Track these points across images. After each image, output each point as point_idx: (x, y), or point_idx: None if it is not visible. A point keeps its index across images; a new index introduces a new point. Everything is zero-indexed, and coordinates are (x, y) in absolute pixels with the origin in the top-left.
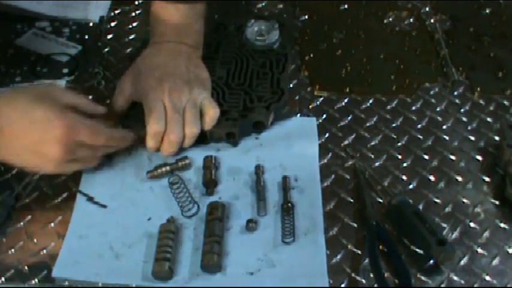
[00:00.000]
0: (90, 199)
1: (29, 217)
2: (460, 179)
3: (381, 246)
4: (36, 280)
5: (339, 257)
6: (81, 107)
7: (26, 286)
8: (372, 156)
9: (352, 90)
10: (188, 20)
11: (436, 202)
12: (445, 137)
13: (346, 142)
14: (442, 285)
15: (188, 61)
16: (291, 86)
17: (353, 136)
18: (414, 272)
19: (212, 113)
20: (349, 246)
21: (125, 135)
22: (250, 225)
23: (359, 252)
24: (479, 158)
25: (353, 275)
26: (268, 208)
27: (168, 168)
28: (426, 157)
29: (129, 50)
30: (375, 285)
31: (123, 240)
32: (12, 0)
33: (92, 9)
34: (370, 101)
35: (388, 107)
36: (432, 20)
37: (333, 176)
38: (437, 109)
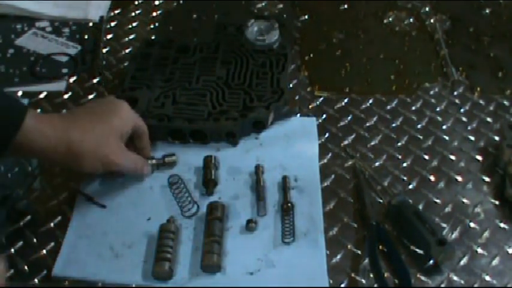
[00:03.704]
0: (90, 199)
1: (29, 217)
2: (460, 179)
3: (380, 246)
4: (36, 280)
5: (339, 257)
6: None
7: (26, 286)
8: (372, 156)
9: (352, 90)
10: None
11: (436, 202)
12: (445, 137)
13: (346, 142)
14: (442, 285)
15: None
16: (291, 86)
17: (353, 136)
18: (414, 272)
19: None
20: (349, 246)
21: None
22: (250, 225)
23: (359, 252)
24: (479, 158)
25: (353, 275)
26: (268, 208)
27: (154, 161)
28: (426, 157)
29: (129, 50)
30: (375, 285)
31: (123, 240)
32: (12, 0)
33: (92, 9)
34: (370, 101)
35: (388, 107)
36: (432, 20)
37: (333, 176)
38: (437, 109)
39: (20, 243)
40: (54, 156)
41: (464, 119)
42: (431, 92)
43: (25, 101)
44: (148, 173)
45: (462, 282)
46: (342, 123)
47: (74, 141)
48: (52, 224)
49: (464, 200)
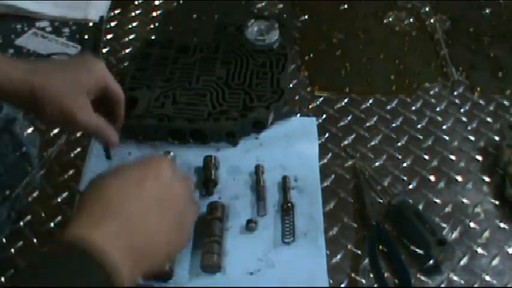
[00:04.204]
0: None
1: (29, 217)
2: (460, 179)
3: (380, 246)
4: None
5: (339, 257)
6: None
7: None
8: (372, 156)
9: (352, 90)
10: None
11: (436, 202)
12: (445, 137)
13: (346, 142)
14: (442, 285)
15: None
16: (291, 86)
17: (353, 136)
18: (414, 272)
19: None
20: (349, 246)
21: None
22: (250, 225)
23: (359, 252)
24: (479, 158)
25: (353, 275)
26: (268, 208)
27: None
28: (426, 157)
29: (129, 50)
30: (375, 285)
31: None
32: (12, 0)
33: (92, 9)
34: (370, 101)
35: (388, 107)
36: (432, 20)
37: (333, 176)
38: (437, 109)
39: (20, 243)
40: (15, 99)
41: (464, 119)
42: (431, 92)
43: None
44: (116, 143)
45: (462, 282)
46: (342, 123)
47: (36, 86)
48: (52, 224)
49: (464, 200)
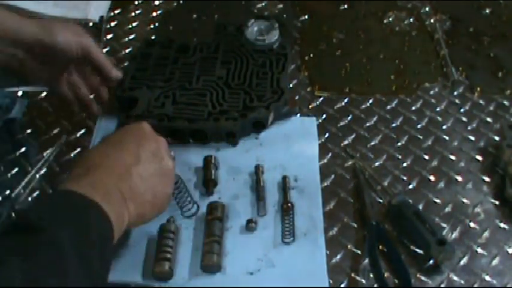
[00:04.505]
0: None
1: None
2: (460, 179)
3: (380, 246)
4: None
5: (338, 257)
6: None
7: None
8: (372, 156)
9: (352, 90)
10: None
11: (436, 202)
12: (445, 137)
13: (346, 142)
14: (442, 285)
15: None
16: (291, 86)
17: (353, 136)
18: (414, 272)
19: None
20: (349, 246)
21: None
22: (250, 225)
23: (359, 252)
24: (479, 158)
25: (353, 275)
26: (268, 208)
27: None
28: (426, 157)
29: (128, 50)
30: (375, 285)
31: (123, 240)
32: (13, 0)
33: (92, 9)
34: (370, 101)
35: (388, 107)
36: (432, 20)
37: (332, 176)
38: (437, 109)
39: None
40: (28, 31)
41: (464, 119)
42: (431, 92)
43: (25, 101)
44: (119, 77)
45: (462, 282)
46: (342, 123)
47: (46, 23)
48: None
49: (464, 200)
